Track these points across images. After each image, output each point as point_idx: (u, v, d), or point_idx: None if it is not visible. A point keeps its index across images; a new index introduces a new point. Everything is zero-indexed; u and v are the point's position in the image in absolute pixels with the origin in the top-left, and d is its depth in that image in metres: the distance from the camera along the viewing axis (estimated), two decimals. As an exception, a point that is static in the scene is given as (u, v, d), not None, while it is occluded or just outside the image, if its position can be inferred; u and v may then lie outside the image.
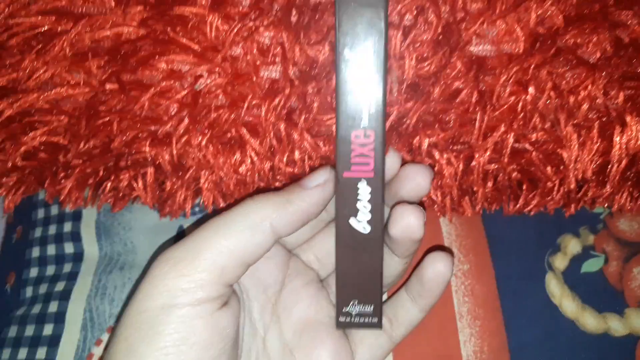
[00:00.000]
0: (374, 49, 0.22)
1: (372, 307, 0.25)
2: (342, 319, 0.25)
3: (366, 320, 0.25)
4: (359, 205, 0.24)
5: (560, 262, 0.32)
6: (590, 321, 0.31)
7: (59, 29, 0.23)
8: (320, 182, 0.24)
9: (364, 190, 0.23)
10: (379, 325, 0.25)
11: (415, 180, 0.25)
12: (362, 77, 0.22)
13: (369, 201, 0.23)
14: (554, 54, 0.24)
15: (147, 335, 0.21)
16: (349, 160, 0.23)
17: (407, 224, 0.24)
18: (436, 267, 0.26)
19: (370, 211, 0.24)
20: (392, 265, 0.27)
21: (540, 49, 0.24)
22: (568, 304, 0.31)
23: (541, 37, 0.24)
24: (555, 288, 0.32)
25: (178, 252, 0.22)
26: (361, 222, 0.24)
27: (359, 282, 0.25)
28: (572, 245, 0.33)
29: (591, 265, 0.32)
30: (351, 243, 0.24)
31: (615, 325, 0.31)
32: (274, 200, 0.23)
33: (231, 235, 0.22)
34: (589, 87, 0.25)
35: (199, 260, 0.22)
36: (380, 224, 0.24)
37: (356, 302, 0.25)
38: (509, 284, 0.32)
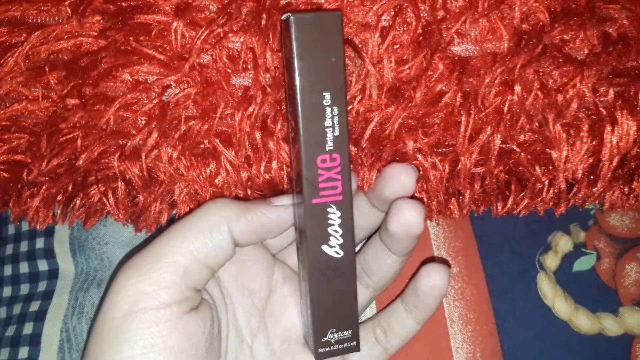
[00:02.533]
0: (333, 71, 0.21)
1: (349, 331, 0.24)
2: (321, 349, 0.24)
3: (345, 345, 0.24)
4: (329, 230, 0.23)
5: (551, 261, 0.32)
6: (584, 322, 0.30)
7: (13, 40, 0.22)
8: (285, 204, 0.24)
9: (334, 215, 0.23)
10: (357, 348, 0.25)
11: (399, 180, 0.24)
12: (322, 100, 0.21)
13: (340, 225, 0.23)
14: (540, 52, 0.23)
15: (113, 346, 0.20)
16: (317, 187, 0.22)
17: (407, 218, 0.24)
18: (432, 279, 0.25)
19: (342, 235, 0.23)
20: (389, 264, 0.26)
21: (525, 47, 0.23)
22: (561, 305, 0.30)
23: (526, 35, 0.23)
24: (548, 289, 0.31)
25: (140, 257, 0.22)
26: (333, 247, 0.23)
27: (335, 309, 0.24)
28: (563, 244, 0.32)
29: (583, 264, 0.32)
30: (325, 270, 0.23)
31: (610, 325, 0.30)
32: (235, 205, 0.23)
33: (190, 236, 0.22)
34: (578, 84, 0.24)
35: (161, 262, 0.21)
36: (352, 245, 0.23)
37: (334, 330, 0.24)
38: (500, 285, 0.31)
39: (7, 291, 0.31)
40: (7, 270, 0.31)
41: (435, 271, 0.25)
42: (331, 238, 0.23)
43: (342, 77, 0.21)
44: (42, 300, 0.30)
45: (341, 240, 0.23)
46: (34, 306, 0.30)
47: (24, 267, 0.31)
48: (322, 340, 0.24)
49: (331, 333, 0.24)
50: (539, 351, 0.30)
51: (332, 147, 0.22)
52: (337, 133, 0.22)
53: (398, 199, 0.24)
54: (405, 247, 0.25)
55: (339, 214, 0.23)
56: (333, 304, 0.24)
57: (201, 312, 0.22)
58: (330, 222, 0.23)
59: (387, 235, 0.25)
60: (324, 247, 0.23)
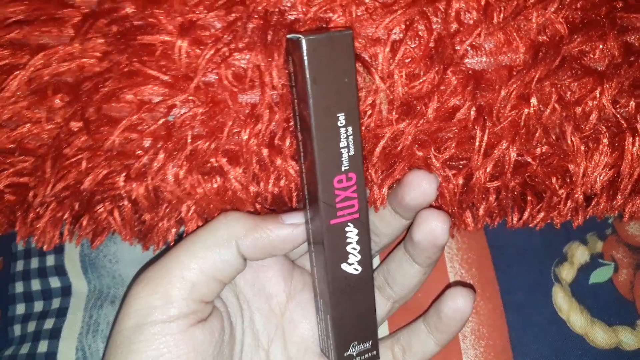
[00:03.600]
0: (346, 91, 0.21)
1: (370, 342, 0.25)
2: None
3: (366, 356, 0.25)
4: (348, 248, 0.23)
5: (567, 273, 0.31)
6: (600, 336, 0.29)
7: (15, 63, 0.21)
8: (296, 222, 0.24)
9: (352, 233, 0.23)
10: (377, 357, 0.25)
11: (421, 187, 0.24)
12: (337, 122, 0.21)
13: (358, 242, 0.23)
14: (558, 64, 0.22)
15: (124, 354, 0.21)
16: (335, 207, 0.22)
17: (432, 228, 0.24)
18: (456, 302, 0.25)
19: (359, 252, 0.23)
20: (412, 275, 0.26)
21: (543, 59, 0.22)
22: (576, 319, 0.30)
23: (543, 47, 0.22)
24: (563, 302, 0.30)
25: (151, 271, 0.23)
26: (352, 265, 0.23)
27: (356, 323, 0.24)
28: (579, 254, 0.31)
29: (600, 275, 0.31)
30: (344, 288, 0.23)
31: (627, 339, 0.29)
32: (245, 221, 0.23)
33: (199, 252, 0.22)
34: (597, 97, 0.23)
35: (169, 278, 0.22)
36: (369, 260, 0.23)
37: (355, 343, 0.24)
38: (514, 299, 0.30)
39: (21, 308, 0.31)
40: (19, 287, 0.31)
41: (460, 295, 0.25)
42: (350, 256, 0.23)
43: (355, 97, 0.21)
44: (57, 317, 0.30)
45: (359, 257, 0.23)
46: (49, 323, 0.30)
47: (35, 284, 0.31)
48: (345, 354, 0.24)
49: (353, 347, 0.24)
50: (555, 365, 0.29)
51: (347, 167, 0.22)
52: (352, 152, 0.21)
53: (424, 209, 0.24)
54: (429, 257, 0.25)
55: (356, 231, 0.23)
56: (354, 319, 0.24)
57: (210, 322, 0.23)
58: (348, 240, 0.23)
59: (411, 245, 0.25)
60: (343, 266, 0.23)
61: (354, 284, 0.23)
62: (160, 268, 0.23)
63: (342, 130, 0.21)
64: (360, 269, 0.23)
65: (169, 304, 0.22)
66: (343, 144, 0.21)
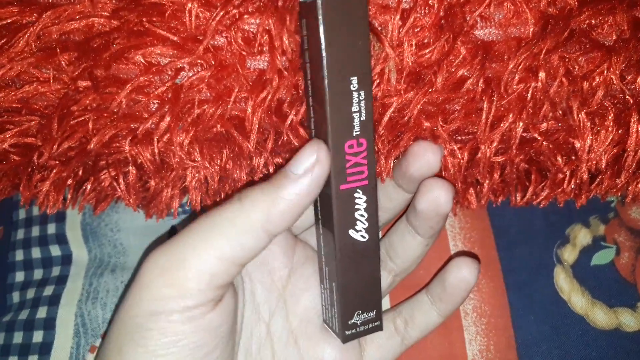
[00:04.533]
0: (360, 55, 0.20)
1: (374, 312, 0.25)
2: (348, 332, 0.24)
3: (370, 326, 0.25)
4: (356, 214, 0.23)
5: (569, 254, 0.31)
6: (600, 317, 0.29)
7: (24, 20, 0.21)
8: (309, 166, 0.21)
9: (360, 200, 0.22)
10: (380, 327, 0.25)
11: (425, 157, 0.24)
12: (350, 85, 0.21)
13: (365, 209, 0.23)
14: (567, 37, 0.22)
15: (136, 339, 0.20)
16: (345, 173, 0.22)
17: (436, 197, 0.24)
18: (461, 272, 0.25)
19: (367, 219, 0.23)
20: (414, 247, 0.26)
21: (551, 32, 0.22)
22: (577, 299, 0.30)
23: (553, 19, 0.22)
24: (564, 282, 0.30)
25: (165, 259, 0.21)
26: (359, 232, 0.23)
27: (361, 292, 0.24)
28: (581, 236, 0.31)
29: (602, 257, 0.31)
30: (351, 254, 0.23)
31: (627, 321, 0.29)
32: (262, 200, 0.21)
33: (218, 244, 0.21)
34: (605, 72, 0.23)
35: (185, 270, 0.20)
36: (376, 228, 0.23)
37: (360, 312, 0.24)
38: (516, 278, 0.30)
39: (20, 276, 0.31)
40: (19, 255, 0.31)
41: (465, 264, 0.25)
42: (358, 222, 0.23)
43: (369, 61, 0.21)
44: (56, 285, 0.30)
45: (367, 224, 0.23)
46: (48, 290, 0.30)
47: (36, 252, 0.31)
48: (349, 322, 0.24)
49: (357, 315, 0.24)
50: (554, 345, 0.29)
51: (358, 132, 0.21)
52: (363, 117, 0.21)
53: (427, 179, 0.24)
54: (431, 228, 0.25)
55: (364, 198, 0.22)
56: (359, 287, 0.24)
57: (225, 302, 0.22)
58: (357, 206, 0.22)
59: (414, 215, 0.25)
60: (351, 232, 0.23)
61: (360, 251, 0.23)
62: (176, 257, 0.21)
63: (355, 94, 0.21)
64: (367, 236, 0.23)
65: (186, 296, 0.20)
66: (355, 108, 0.21)
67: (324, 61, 0.20)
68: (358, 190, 0.22)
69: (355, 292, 0.24)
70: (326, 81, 0.20)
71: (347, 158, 0.22)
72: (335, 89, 0.20)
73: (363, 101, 0.21)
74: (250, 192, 0.21)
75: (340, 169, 0.22)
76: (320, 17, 0.19)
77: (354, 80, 0.21)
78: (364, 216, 0.23)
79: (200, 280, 0.20)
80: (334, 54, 0.20)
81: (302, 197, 0.21)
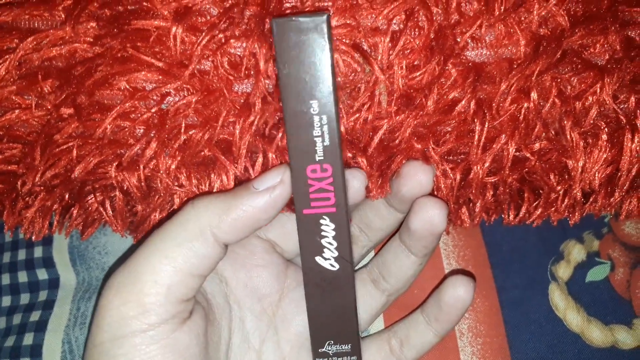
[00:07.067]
0: (320, 78, 0.20)
1: (349, 345, 0.24)
2: None
3: (344, 359, 0.24)
4: (324, 242, 0.22)
5: (563, 271, 0.31)
6: (596, 334, 0.29)
7: (4, 46, 0.21)
8: (271, 185, 0.21)
9: (328, 227, 0.22)
10: None
11: (417, 178, 0.24)
12: (309, 109, 0.20)
13: (334, 238, 0.22)
14: (559, 57, 0.22)
15: None
16: (307, 197, 0.21)
17: (430, 216, 0.23)
18: (457, 291, 0.25)
19: (337, 248, 0.22)
20: (408, 266, 0.26)
21: (543, 52, 0.22)
22: (573, 317, 0.29)
23: (544, 40, 0.22)
24: (559, 300, 0.30)
25: (119, 276, 0.21)
26: (328, 260, 0.22)
27: (333, 322, 0.23)
28: (575, 253, 0.31)
29: (596, 274, 0.31)
30: (320, 282, 0.22)
31: (623, 338, 0.29)
32: (215, 205, 0.21)
33: (169, 251, 0.20)
34: (597, 92, 0.23)
35: (141, 283, 0.20)
36: (349, 258, 0.22)
37: (332, 343, 0.23)
38: (510, 297, 0.30)
39: (7, 300, 0.30)
40: (5, 279, 0.30)
41: (461, 283, 0.25)
42: (325, 250, 0.22)
43: (330, 84, 0.20)
44: (43, 310, 0.29)
45: (336, 253, 0.22)
46: (35, 316, 0.29)
47: (22, 277, 0.30)
48: (320, 351, 0.24)
49: (329, 345, 0.24)
50: (551, 364, 0.29)
51: (322, 157, 0.21)
52: (327, 143, 0.21)
53: (421, 197, 0.24)
54: (425, 247, 0.25)
55: (332, 225, 0.22)
56: (330, 316, 0.23)
57: (193, 320, 0.21)
58: (323, 233, 0.22)
59: (407, 234, 0.25)
60: (318, 259, 0.22)
61: (330, 280, 0.22)
62: (130, 272, 0.20)
63: (316, 118, 0.20)
64: (337, 265, 0.22)
65: (145, 312, 0.20)
66: (317, 132, 0.21)
67: (280, 82, 0.20)
68: (324, 216, 0.22)
69: (324, 321, 0.23)
70: (283, 102, 0.20)
71: (310, 182, 0.21)
72: (293, 111, 0.20)
73: (326, 126, 0.21)
74: (204, 197, 0.22)
75: (302, 193, 0.21)
76: (275, 37, 0.19)
77: (314, 104, 0.20)
78: (332, 244, 0.22)
79: (157, 294, 0.20)
80: (290, 76, 0.20)
81: (257, 212, 0.21)
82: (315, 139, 0.21)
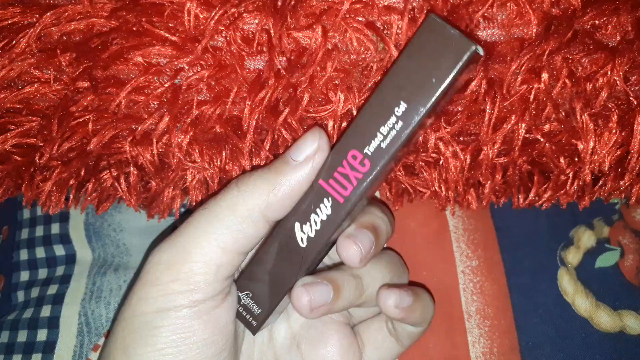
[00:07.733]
0: (426, 90, 0.19)
1: (259, 310, 0.23)
2: (238, 303, 0.23)
3: (248, 317, 0.23)
4: (312, 217, 0.21)
5: (573, 256, 0.31)
6: (604, 319, 0.29)
7: (25, 21, 0.21)
8: (310, 153, 0.21)
9: (325, 209, 0.21)
10: (252, 330, 0.23)
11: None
12: (395, 107, 0.20)
13: (322, 222, 0.21)
14: (570, 38, 0.22)
15: (144, 337, 0.20)
16: (332, 172, 0.21)
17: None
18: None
19: (317, 231, 0.21)
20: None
21: (555, 32, 0.22)
22: (581, 302, 0.29)
23: (556, 20, 0.22)
24: (568, 285, 0.30)
25: (168, 254, 0.21)
26: (303, 234, 0.22)
27: (264, 282, 0.23)
28: (585, 239, 0.31)
29: (606, 260, 0.31)
30: (282, 243, 0.22)
31: (632, 323, 0.29)
32: (260, 187, 0.21)
33: (221, 233, 0.20)
34: (608, 73, 0.23)
35: (191, 263, 0.20)
36: (320, 250, 0.22)
37: (249, 294, 0.23)
38: (519, 280, 0.30)
39: (25, 275, 0.31)
40: (24, 255, 0.31)
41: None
42: (307, 224, 0.21)
43: (430, 104, 0.19)
44: (60, 284, 0.30)
45: (313, 235, 0.22)
46: (52, 289, 0.30)
47: (40, 252, 0.31)
48: (239, 293, 0.23)
49: (247, 296, 0.23)
50: (558, 348, 0.29)
51: (369, 153, 0.20)
52: (384, 145, 0.20)
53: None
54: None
55: (329, 211, 0.21)
56: (264, 275, 0.22)
57: (231, 299, 0.22)
58: (318, 210, 0.21)
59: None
60: (297, 226, 0.22)
61: (290, 249, 0.22)
62: (179, 251, 0.21)
63: (393, 118, 0.20)
64: (305, 244, 0.22)
65: (193, 290, 0.20)
66: (384, 130, 0.20)
67: (392, 68, 0.20)
68: (329, 198, 0.21)
69: (258, 275, 0.22)
70: (380, 85, 0.20)
71: (344, 163, 0.21)
72: (381, 98, 0.20)
73: (395, 131, 0.20)
74: (248, 178, 0.21)
75: (331, 166, 0.21)
76: (420, 29, 0.19)
77: (402, 106, 0.20)
78: (316, 225, 0.21)
79: (207, 273, 0.20)
80: (402, 69, 0.19)
81: (302, 184, 0.21)
82: (378, 133, 0.20)
